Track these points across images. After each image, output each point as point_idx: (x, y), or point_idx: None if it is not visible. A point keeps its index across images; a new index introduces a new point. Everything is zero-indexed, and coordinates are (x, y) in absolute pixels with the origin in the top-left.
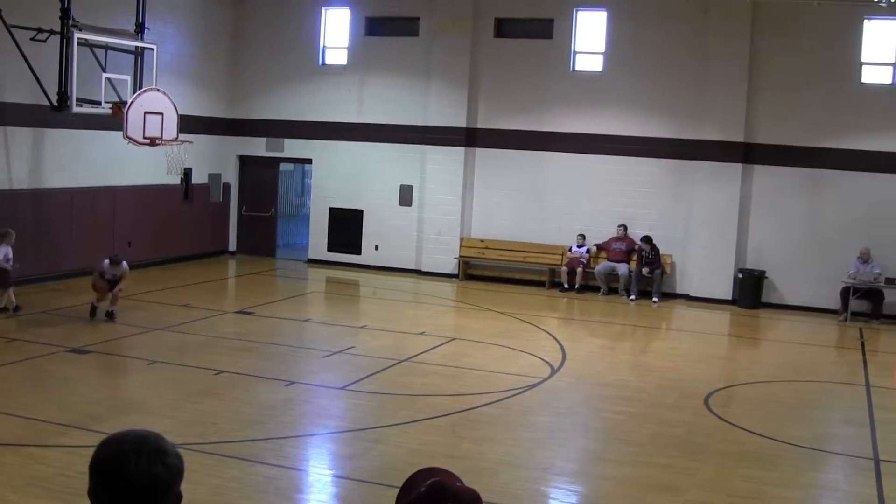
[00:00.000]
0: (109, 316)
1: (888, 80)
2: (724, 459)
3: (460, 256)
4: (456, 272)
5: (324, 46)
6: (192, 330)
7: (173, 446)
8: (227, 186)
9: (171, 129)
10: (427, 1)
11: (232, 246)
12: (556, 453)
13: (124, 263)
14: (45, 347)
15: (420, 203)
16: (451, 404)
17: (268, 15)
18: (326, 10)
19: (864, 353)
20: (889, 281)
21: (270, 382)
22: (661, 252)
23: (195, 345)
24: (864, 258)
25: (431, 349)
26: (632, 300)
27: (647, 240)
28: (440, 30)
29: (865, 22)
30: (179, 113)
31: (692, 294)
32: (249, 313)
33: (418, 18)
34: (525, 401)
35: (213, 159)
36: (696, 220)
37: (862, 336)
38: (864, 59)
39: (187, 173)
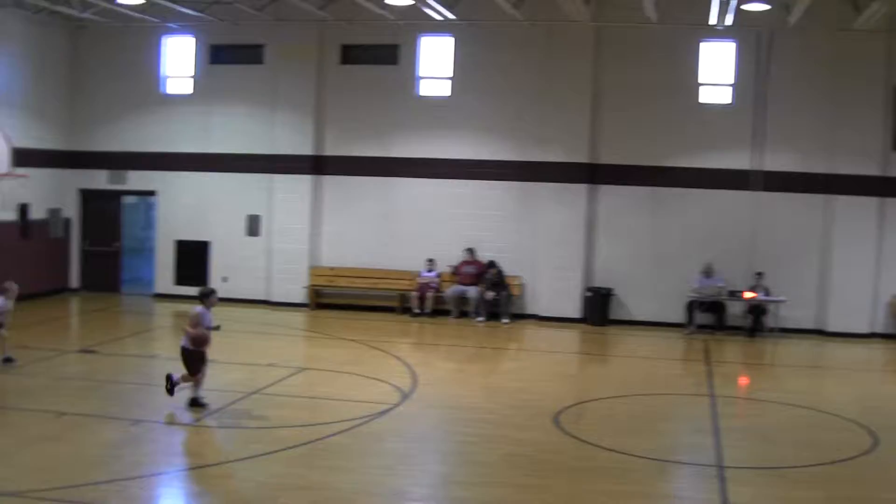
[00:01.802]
0: (198, 403)
1: (725, 101)
2: (575, 475)
3: (310, 285)
4: (306, 301)
5: (165, 75)
6: (32, 372)
7: None
8: (67, 221)
9: (2, 162)
10: (272, 28)
11: (75, 282)
12: (408, 479)
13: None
14: None
15: (268, 233)
16: (303, 435)
17: (108, 44)
18: (167, 37)
19: (709, 365)
20: (731, 294)
21: (116, 422)
22: (510, 273)
23: (35, 387)
24: (708, 272)
25: (282, 380)
26: (480, 321)
27: (491, 264)
28: (285, 57)
29: (702, 44)
30: (13, 145)
31: (542, 314)
32: (93, 352)
33: (263, 46)
34: (376, 428)
35: (53, 193)
36: (543, 240)
37: (707, 348)
38: (701, 79)
39: (24, 208)
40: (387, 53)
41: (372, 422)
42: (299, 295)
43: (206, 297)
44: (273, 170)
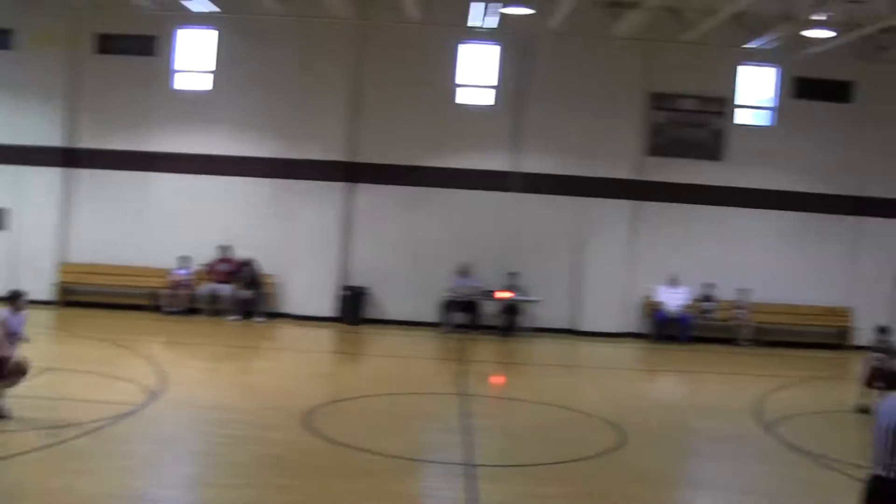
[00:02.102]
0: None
1: (487, 102)
2: (325, 475)
3: (59, 282)
4: (55, 298)
5: None
6: None
7: None
8: None
9: None
10: (21, 12)
11: None
12: (153, 481)
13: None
14: None
15: (15, 227)
16: (42, 438)
17: None
18: None
19: (463, 364)
20: (486, 293)
21: None
22: (265, 272)
23: None
24: (464, 272)
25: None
26: (234, 320)
27: (246, 262)
28: (35, 44)
29: (465, 46)
30: None
31: (297, 313)
32: None
33: (11, 30)
34: (122, 429)
35: None
36: (300, 238)
37: (461, 347)
38: (463, 81)
39: None
40: (144, 44)
41: (117, 423)
42: (47, 292)
43: (15, 300)
44: (21, 161)
